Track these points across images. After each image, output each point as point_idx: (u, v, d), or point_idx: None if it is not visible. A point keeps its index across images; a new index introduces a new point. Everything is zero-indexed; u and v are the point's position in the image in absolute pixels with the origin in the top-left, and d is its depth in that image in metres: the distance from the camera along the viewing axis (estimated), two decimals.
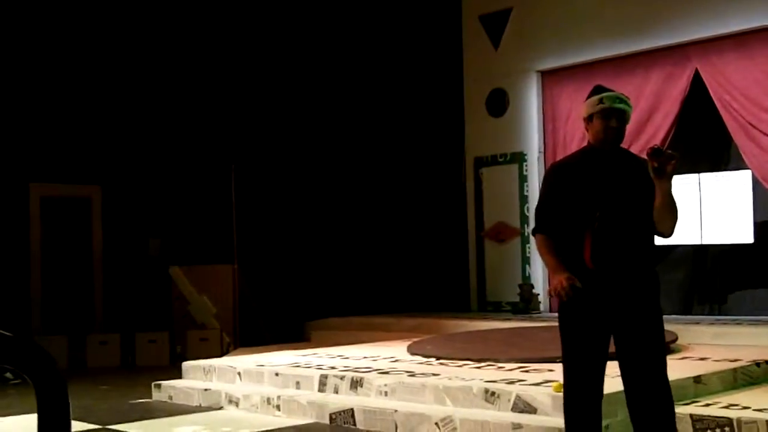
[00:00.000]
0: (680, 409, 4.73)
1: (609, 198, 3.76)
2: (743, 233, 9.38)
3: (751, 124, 9.18)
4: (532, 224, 4.05)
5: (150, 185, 11.44)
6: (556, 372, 5.22)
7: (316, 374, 6.67)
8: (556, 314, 3.93)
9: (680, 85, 9.72)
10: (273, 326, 11.26)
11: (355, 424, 5.96)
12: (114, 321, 10.95)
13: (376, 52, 12.43)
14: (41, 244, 10.81)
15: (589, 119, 3.88)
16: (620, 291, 3.74)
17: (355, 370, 6.72)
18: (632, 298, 3.75)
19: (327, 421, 6.12)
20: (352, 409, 6.02)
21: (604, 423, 4.04)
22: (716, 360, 6.60)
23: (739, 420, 4.80)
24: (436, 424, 5.51)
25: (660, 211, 3.74)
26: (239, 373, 7.28)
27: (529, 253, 10.83)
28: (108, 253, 11.26)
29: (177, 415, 6.72)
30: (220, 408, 6.90)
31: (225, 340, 10.55)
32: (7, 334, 1.71)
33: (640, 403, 3.76)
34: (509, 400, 5.46)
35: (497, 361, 6.77)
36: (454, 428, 5.43)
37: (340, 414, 6.08)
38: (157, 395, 7.50)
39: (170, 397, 7.38)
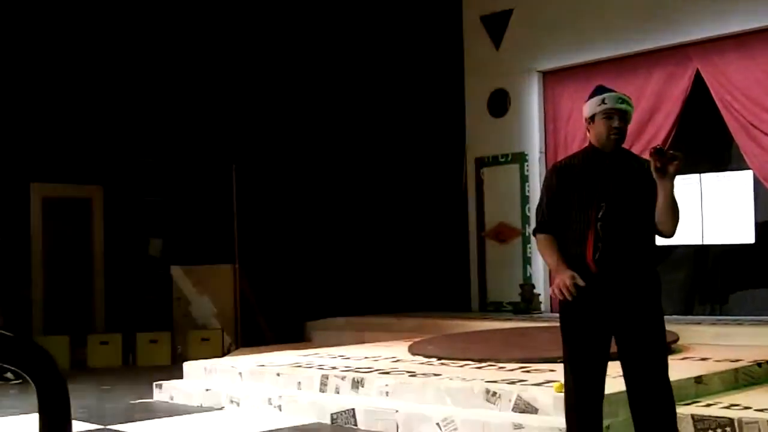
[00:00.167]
0: (681, 410, 4.73)
1: (610, 198, 3.76)
2: (744, 233, 9.37)
3: (752, 124, 9.18)
4: (533, 224, 4.04)
5: (151, 185, 11.44)
6: (558, 372, 5.21)
7: (318, 374, 6.67)
8: (557, 314, 3.93)
9: (681, 86, 9.72)
10: (274, 326, 11.27)
11: (356, 425, 5.96)
12: (115, 321, 10.95)
13: (377, 52, 12.43)
14: (42, 244, 10.82)
15: (590, 119, 3.88)
16: (622, 291, 3.73)
17: (357, 370, 6.71)
18: (633, 298, 3.75)
19: (328, 421, 6.12)
20: (353, 409, 6.02)
21: (605, 423, 4.04)
22: (717, 360, 6.60)
23: (740, 420, 4.80)
24: (437, 424, 5.51)
25: (662, 211, 3.74)
26: (240, 374, 7.28)
27: (530, 253, 10.83)
28: (109, 253, 11.26)
29: (178, 415, 6.72)
30: (222, 408, 6.90)
31: (226, 340, 10.56)
32: (8, 334, 1.71)
33: (641, 404, 3.76)
34: (510, 401, 5.46)
35: (498, 361, 6.77)
36: (455, 428, 5.43)
37: (341, 414, 6.07)
38: (158, 395, 7.50)
39: (171, 397, 7.38)
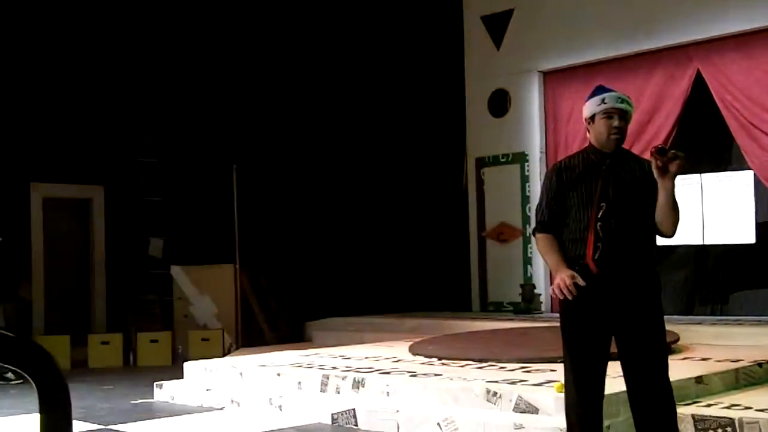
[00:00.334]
0: (682, 410, 4.73)
1: (610, 198, 3.76)
2: (745, 233, 9.38)
3: (752, 124, 9.18)
4: (533, 224, 4.03)
5: (151, 185, 11.44)
6: (558, 372, 5.21)
7: (318, 374, 6.67)
8: (558, 314, 3.92)
9: (682, 86, 9.73)
10: (275, 326, 11.27)
11: (356, 425, 5.96)
12: (116, 321, 10.96)
13: (378, 52, 12.44)
14: (43, 244, 10.82)
15: (590, 119, 3.88)
16: (622, 291, 3.73)
17: (357, 370, 6.71)
18: (634, 298, 3.74)
19: (329, 421, 6.12)
20: (353, 409, 6.02)
21: (605, 423, 4.04)
22: (718, 360, 6.59)
23: (740, 420, 4.80)
24: (438, 424, 5.51)
25: (662, 210, 3.74)
26: (241, 374, 7.27)
27: (531, 253, 10.83)
28: (110, 254, 11.27)
29: (179, 415, 6.72)
30: (222, 408, 6.90)
31: (227, 340, 10.56)
32: (9, 334, 1.71)
33: (641, 404, 3.75)
34: (511, 401, 5.46)
35: (499, 361, 6.77)
36: (456, 428, 5.43)
37: (342, 414, 6.07)
38: (159, 395, 7.51)
39: (172, 397, 7.39)
